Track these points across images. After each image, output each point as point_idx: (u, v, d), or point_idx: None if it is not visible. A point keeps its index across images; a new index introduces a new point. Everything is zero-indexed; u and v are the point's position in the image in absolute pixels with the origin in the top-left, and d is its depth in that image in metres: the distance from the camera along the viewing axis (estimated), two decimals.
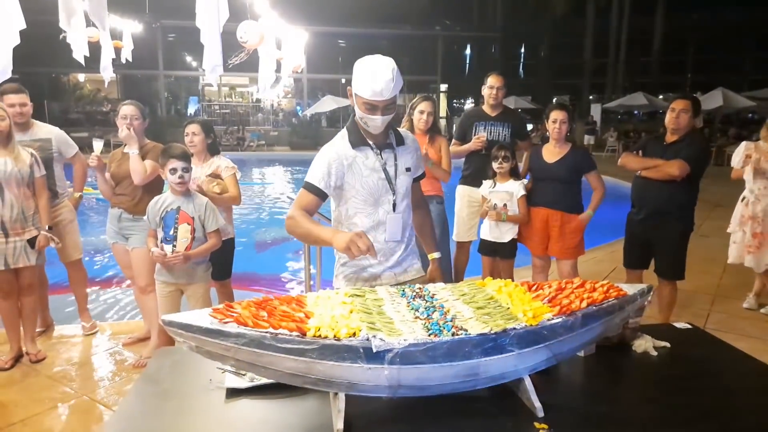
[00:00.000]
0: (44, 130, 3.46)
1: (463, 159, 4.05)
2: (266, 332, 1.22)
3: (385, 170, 1.96)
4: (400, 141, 2.03)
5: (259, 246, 7.24)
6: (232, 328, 1.23)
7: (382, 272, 2.03)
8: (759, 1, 22.91)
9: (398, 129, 2.09)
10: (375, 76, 1.77)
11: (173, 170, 2.73)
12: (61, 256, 3.57)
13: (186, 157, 2.79)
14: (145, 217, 2.86)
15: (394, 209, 1.98)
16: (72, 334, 3.64)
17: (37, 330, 3.47)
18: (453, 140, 4.13)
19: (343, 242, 1.66)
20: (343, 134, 2.00)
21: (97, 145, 3.17)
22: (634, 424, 1.35)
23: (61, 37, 3.70)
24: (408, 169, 2.03)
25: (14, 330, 3.20)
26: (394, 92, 1.81)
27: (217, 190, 3.13)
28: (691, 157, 3.24)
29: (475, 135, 3.90)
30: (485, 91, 3.94)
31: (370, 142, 1.96)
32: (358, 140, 1.95)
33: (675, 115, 3.30)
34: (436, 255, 2.19)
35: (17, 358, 3.20)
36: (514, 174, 3.59)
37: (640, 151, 3.60)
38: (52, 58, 16.53)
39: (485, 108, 3.99)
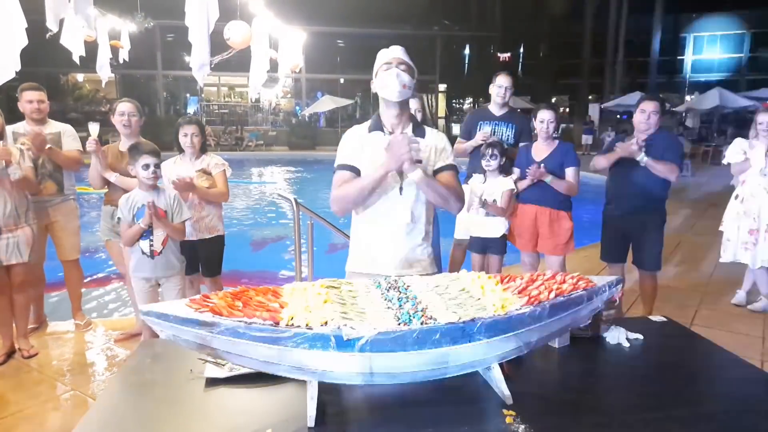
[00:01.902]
0: (57, 126, 3.61)
1: (468, 158, 4.08)
2: (240, 321, 1.26)
3: None
4: (420, 134, 2.09)
5: (255, 245, 7.27)
6: (208, 317, 1.27)
7: (384, 258, 2.06)
8: (757, 1, 22.95)
9: (427, 127, 2.16)
10: (388, 49, 2.05)
11: (146, 166, 2.78)
12: (59, 253, 3.63)
13: (157, 153, 2.87)
14: (118, 215, 2.89)
15: (400, 192, 2.03)
16: (65, 331, 3.68)
17: (30, 326, 3.51)
18: (458, 138, 4.17)
19: (392, 159, 1.86)
20: (365, 123, 2.15)
21: (94, 128, 3.22)
22: (600, 411, 1.38)
23: (47, 36, 3.75)
24: (418, 160, 2.04)
25: (6, 326, 3.24)
26: (404, 56, 2.02)
27: (206, 185, 3.17)
28: (678, 158, 3.48)
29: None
30: (493, 89, 3.94)
31: (385, 128, 2.08)
32: (374, 125, 2.10)
33: (646, 117, 3.45)
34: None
35: (9, 354, 3.24)
36: (504, 171, 3.63)
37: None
38: (51, 58, 16.56)
39: (491, 107, 4.01)
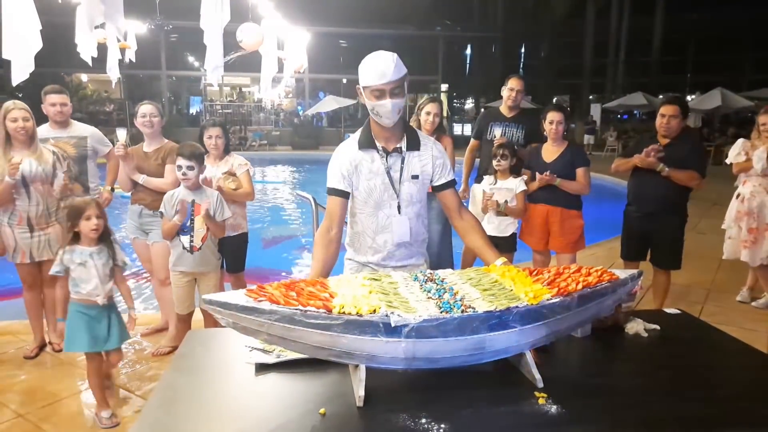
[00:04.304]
0: (81, 128, 3.66)
1: (479, 158, 4.23)
2: (296, 309, 1.37)
3: (389, 174, 1.99)
4: (414, 146, 2.01)
5: (265, 243, 7.40)
6: (266, 305, 1.38)
7: (382, 270, 2.07)
8: (759, 1, 23.03)
9: (420, 133, 2.08)
10: (376, 62, 1.84)
11: (179, 167, 2.92)
12: None
13: (193, 156, 2.95)
14: (161, 210, 3.02)
15: (399, 211, 2.03)
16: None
17: (59, 321, 3.62)
18: (471, 140, 4.35)
19: None
20: (355, 135, 2.07)
21: (121, 133, 3.33)
22: (623, 393, 1.50)
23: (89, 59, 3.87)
24: (415, 177, 2.01)
25: (38, 320, 3.36)
26: (396, 74, 1.83)
27: (232, 187, 3.29)
28: (701, 165, 3.49)
29: (490, 134, 4.07)
30: (505, 92, 4.09)
31: (378, 145, 1.99)
32: (366, 142, 2.00)
33: (665, 121, 3.49)
34: (498, 262, 1.84)
35: (41, 347, 3.35)
36: (514, 171, 3.73)
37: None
38: (55, 58, 16.71)
39: (502, 109, 4.15)
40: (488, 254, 1.94)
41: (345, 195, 2.02)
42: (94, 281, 2.52)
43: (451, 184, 2.10)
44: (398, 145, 2.00)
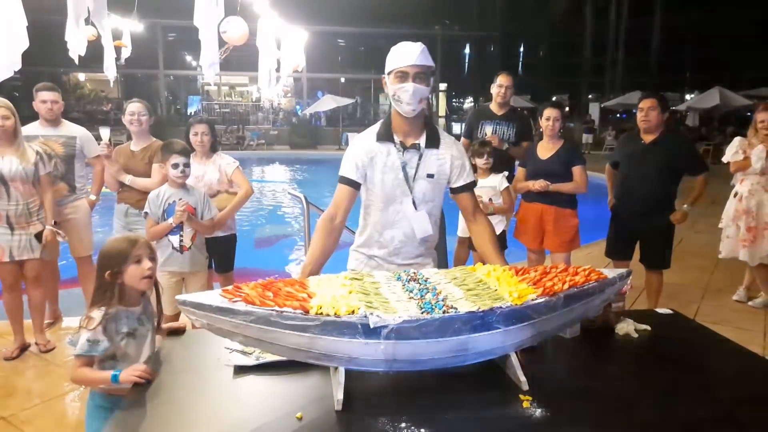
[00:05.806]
0: (71, 128, 3.64)
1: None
2: (272, 310, 1.32)
3: (404, 170, 1.95)
4: (434, 144, 1.97)
5: (258, 242, 7.36)
6: (241, 306, 1.33)
7: (388, 266, 2.07)
8: (758, 0, 23.02)
9: (442, 132, 2.04)
10: (403, 47, 1.85)
11: (175, 165, 2.86)
12: (72, 250, 3.69)
13: (187, 152, 2.93)
14: (145, 210, 2.96)
15: (415, 207, 1.97)
16: (79, 326, 3.74)
17: (46, 322, 3.57)
18: (462, 138, 4.27)
19: None
20: (374, 127, 2.03)
21: (105, 132, 3.29)
22: (611, 396, 1.45)
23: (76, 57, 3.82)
24: (430, 176, 1.96)
25: (18, 321, 3.31)
26: (422, 60, 1.82)
27: (225, 203, 3.23)
28: (700, 165, 3.53)
29: (481, 133, 4.02)
30: (494, 89, 4.02)
31: (396, 139, 1.95)
32: (384, 135, 1.96)
33: (644, 114, 3.46)
34: None
35: (23, 349, 3.30)
36: (494, 169, 3.68)
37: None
38: (52, 57, 16.64)
39: (492, 106, 4.09)
40: (493, 261, 1.89)
41: (355, 185, 1.98)
42: (143, 359, 1.77)
43: (470, 186, 2.05)
44: (417, 141, 1.96)
